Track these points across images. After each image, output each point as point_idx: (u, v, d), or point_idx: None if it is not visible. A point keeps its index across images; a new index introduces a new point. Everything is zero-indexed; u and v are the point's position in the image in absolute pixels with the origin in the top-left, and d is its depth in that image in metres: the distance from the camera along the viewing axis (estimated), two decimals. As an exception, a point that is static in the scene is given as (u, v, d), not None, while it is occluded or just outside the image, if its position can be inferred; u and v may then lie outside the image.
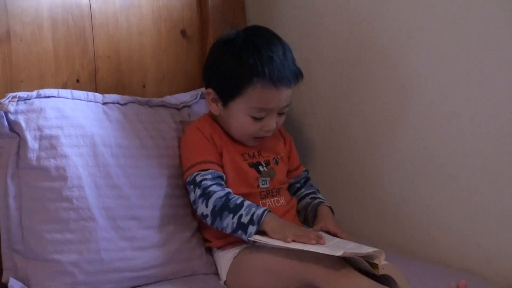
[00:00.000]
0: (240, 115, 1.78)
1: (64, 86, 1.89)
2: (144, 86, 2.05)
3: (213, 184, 1.75)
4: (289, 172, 1.95)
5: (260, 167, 1.84)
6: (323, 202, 1.90)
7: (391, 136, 1.96)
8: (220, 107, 1.82)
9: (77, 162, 1.74)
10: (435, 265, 1.82)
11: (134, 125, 1.87)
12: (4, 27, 1.81)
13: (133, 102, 1.92)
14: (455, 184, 1.83)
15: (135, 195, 1.80)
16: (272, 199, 1.84)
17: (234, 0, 2.18)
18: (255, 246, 1.70)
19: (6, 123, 1.70)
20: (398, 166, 1.95)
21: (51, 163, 1.71)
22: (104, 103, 1.87)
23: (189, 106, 2.00)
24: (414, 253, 1.92)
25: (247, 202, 1.72)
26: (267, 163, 1.86)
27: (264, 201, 1.82)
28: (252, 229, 1.67)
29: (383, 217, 2.01)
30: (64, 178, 1.71)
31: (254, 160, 1.85)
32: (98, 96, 1.87)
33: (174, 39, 2.10)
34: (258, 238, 1.66)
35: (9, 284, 1.67)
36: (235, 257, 1.75)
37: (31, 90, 1.77)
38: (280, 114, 1.81)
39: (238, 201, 1.72)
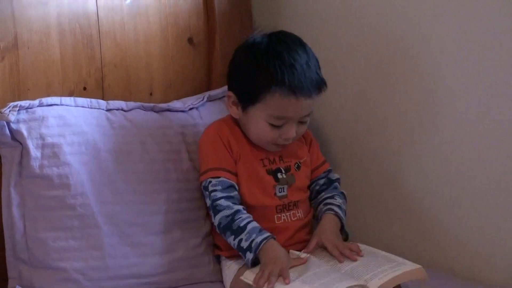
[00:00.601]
0: (258, 121, 1.75)
1: (71, 94, 1.90)
2: (151, 94, 2.05)
3: (222, 198, 1.73)
4: (311, 173, 1.90)
5: (279, 174, 1.81)
6: (331, 210, 1.82)
7: (418, 144, 1.92)
8: (240, 111, 1.79)
9: (80, 170, 1.74)
10: (463, 280, 1.80)
11: (138, 130, 1.86)
12: (12, 35, 1.81)
13: (138, 108, 1.92)
14: (486, 194, 1.79)
15: (139, 201, 1.80)
16: (288, 213, 1.80)
17: (241, 8, 2.18)
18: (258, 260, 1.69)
19: (8, 132, 1.71)
20: (426, 175, 1.91)
21: (54, 171, 1.71)
22: (108, 110, 1.87)
23: (196, 108, 2.00)
24: (438, 264, 1.89)
25: (250, 226, 1.69)
26: (288, 169, 1.83)
27: (279, 215, 1.79)
28: (249, 255, 1.66)
29: (408, 227, 1.97)
30: (67, 186, 1.71)
31: (274, 166, 1.81)
32: (102, 102, 1.88)
33: (181, 47, 2.10)
34: (247, 278, 1.63)
35: (15, 292, 1.69)
36: (240, 268, 1.74)
37: (38, 98, 1.78)
38: (301, 122, 1.78)
39: (242, 224, 1.69)
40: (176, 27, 2.09)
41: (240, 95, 1.78)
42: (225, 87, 2.05)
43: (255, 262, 1.66)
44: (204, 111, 2.00)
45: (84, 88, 1.94)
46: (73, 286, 1.69)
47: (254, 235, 1.67)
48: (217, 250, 1.85)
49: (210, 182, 1.75)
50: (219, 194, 1.74)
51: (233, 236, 1.69)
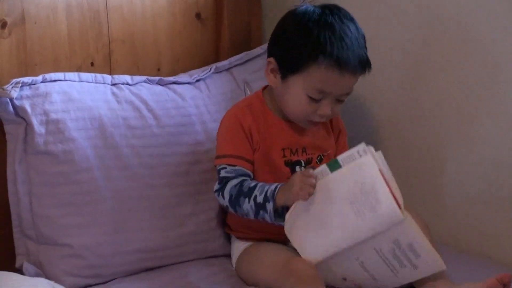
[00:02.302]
0: (297, 92, 1.69)
1: (79, 70, 1.90)
2: (158, 69, 2.05)
3: (232, 178, 1.70)
4: None
5: (297, 167, 1.76)
6: None
7: (468, 134, 1.84)
8: (279, 79, 1.73)
9: (85, 145, 1.74)
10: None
11: (144, 104, 1.85)
12: (19, 10, 1.80)
13: (144, 82, 1.91)
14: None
15: (148, 175, 1.79)
16: None
17: (249, -17, 2.17)
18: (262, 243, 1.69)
19: (11, 109, 1.70)
20: (475, 167, 1.84)
21: (59, 147, 1.71)
22: (113, 84, 1.87)
23: (203, 80, 1.98)
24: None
25: (260, 183, 1.66)
26: (308, 162, 1.77)
27: None
28: (269, 206, 1.61)
29: (452, 221, 1.91)
30: (72, 162, 1.71)
31: (294, 158, 1.76)
32: (107, 77, 1.87)
33: (188, 22, 2.09)
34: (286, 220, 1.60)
35: (23, 268, 1.69)
36: (246, 248, 1.74)
37: (45, 74, 1.77)
38: (338, 101, 1.71)
39: (252, 185, 1.66)
40: (184, 2, 2.07)
41: (282, 62, 1.71)
42: (232, 58, 2.05)
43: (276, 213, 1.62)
44: (211, 83, 1.99)
45: (92, 64, 1.93)
46: (80, 262, 1.69)
47: (266, 187, 1.63)
48: (227, 229, 1.84)
49: (224, 168, 1.72)
50: (230, 175, 1.71)
51: (247, 199, 1.65)
